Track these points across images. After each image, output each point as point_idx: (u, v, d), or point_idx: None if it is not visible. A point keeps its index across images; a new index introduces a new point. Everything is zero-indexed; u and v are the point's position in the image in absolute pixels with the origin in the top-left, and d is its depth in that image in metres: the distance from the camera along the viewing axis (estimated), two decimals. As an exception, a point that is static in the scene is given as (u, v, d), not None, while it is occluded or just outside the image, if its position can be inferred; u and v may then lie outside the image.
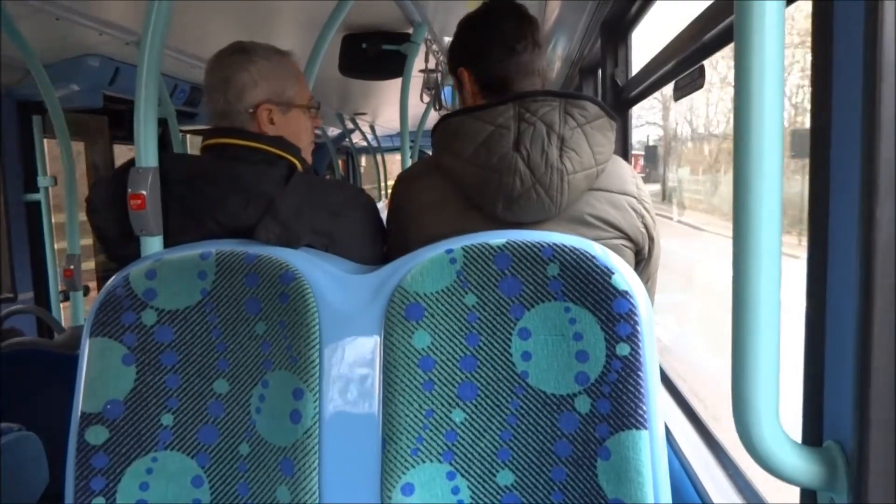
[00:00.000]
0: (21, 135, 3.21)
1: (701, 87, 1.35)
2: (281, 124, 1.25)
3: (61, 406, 1.13)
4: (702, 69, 1.35)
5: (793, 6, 0.85)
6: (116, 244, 1.19)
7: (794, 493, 0.75)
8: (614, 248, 1.10)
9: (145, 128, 1.16)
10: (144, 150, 1.15)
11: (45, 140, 3.27)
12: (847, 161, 0.61)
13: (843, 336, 0.62)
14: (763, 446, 0.64)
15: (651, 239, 1.21)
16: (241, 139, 1.20)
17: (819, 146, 0.66)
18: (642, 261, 1.22)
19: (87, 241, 3.48)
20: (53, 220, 3.29)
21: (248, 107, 1.22)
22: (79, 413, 1.00)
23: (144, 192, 1.12)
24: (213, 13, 2.55)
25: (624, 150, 2.23)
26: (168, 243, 1.15)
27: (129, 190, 1.12)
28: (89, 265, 3.88)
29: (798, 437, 0.69)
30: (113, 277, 1.04)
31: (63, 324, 3.04)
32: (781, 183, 0.61)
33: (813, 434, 0.69)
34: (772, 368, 0.63)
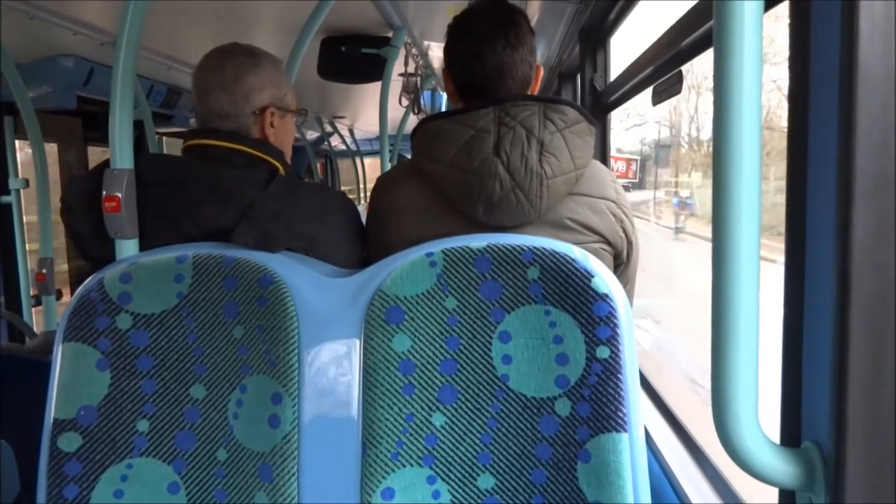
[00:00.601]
0: None
1: (678, 92, 1.36)
2: (278, 128, 1.27)
3: (33, 413, 1.11)
4: (679, 74, 1.36)
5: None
6: (91, 245, 1.17)
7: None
8: (594, 252, 1.10)
9: (120, 129, 1.15)
10: (119, 152, 1.13)
11: (17, 141, 3.22)
12: (824, 165, 0.62)
13: (821, 338, 0.63)
14: (742, 448, 0.65)
15: (630, 243, 1.22)
16: (224, 141, 1.19)
17: (796, 151, 0.67)
18: (621, 264, 1.22)
19: (60, 243, 3.42)
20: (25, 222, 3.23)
21: (254, 109, 1.22)
22: (51, 419, 0.98)
23: (119, 195, 1.10)
24: (191, 15, 2.52)
25: (603, 154, 2.25)
26: (144, 245, 1.13)
27: (104, 192, 1.11)
28: (62, 268, 3.81)
29: (777, 439, 0.70)
30: (87, 281, 1.02)
31: (35, 329, 2.98)
32: (760, 187, 0.62)
33: (791, 435, 0.70)
34: (751, 370, 0.64)
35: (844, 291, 0.58)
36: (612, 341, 0.90)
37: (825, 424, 0.62)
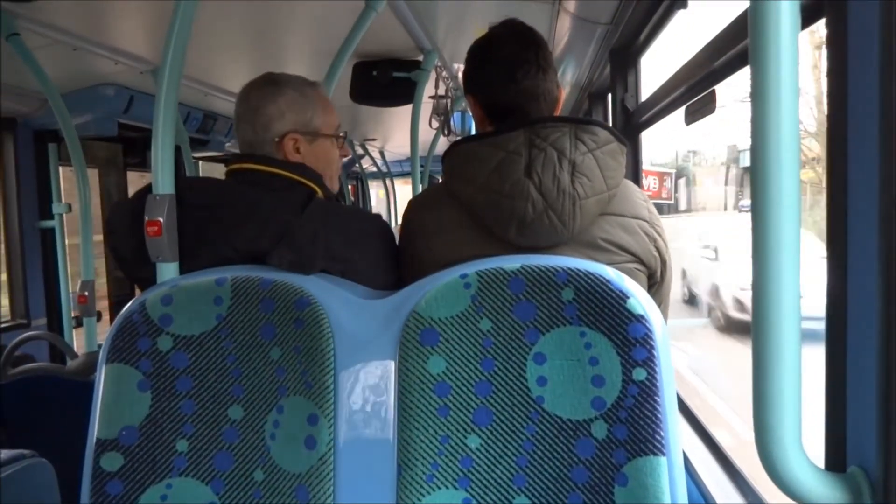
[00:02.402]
0: (37, 163, 3.25)
1: (712, 111, 1.36)
2: (307, 153, 1.28)
3: (74, 433, 1.13)
4: (713, 94, 1.35)
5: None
6: (134, 266, 1.20)
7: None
8: (627, 272, 1.10)
9: (163, 156, 1.18)
10: (162, 177, 1.16)
11: (60, 167, 3.32)
12: (865, 172, 0.61)
13: (866, 358, 0.62)
14: (786, 472, 0.63)
15: (663, 262, 1.21)
16: (263, 165, 1.21)
17: (836, 156, 0.66)
18: (655, 284, 1.21)
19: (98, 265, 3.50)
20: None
21: (274, 136, 1.25)
22: (94, 439, 1.00)
23: (161, 219, 1.13)
24: (227, 43, 2.59)
25: (635, 174, 2.24)
26: (185, 268, 1.15)
27: (146, 217, 1.13)
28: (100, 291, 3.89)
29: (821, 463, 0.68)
30: (129, 303, 1.04)
31: (75, 349, 3.05)
32: (799, 204, 0.61)
33: (836, 459, 0.68)
34: (794, 393, 0.63)
35: (890, 308, 0.57)
36: (649, 363, 0.90)
37: (872, 449, 0.61)
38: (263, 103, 1.25)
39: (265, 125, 1.24)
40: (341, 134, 1.36)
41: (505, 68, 1.19)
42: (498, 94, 1.21)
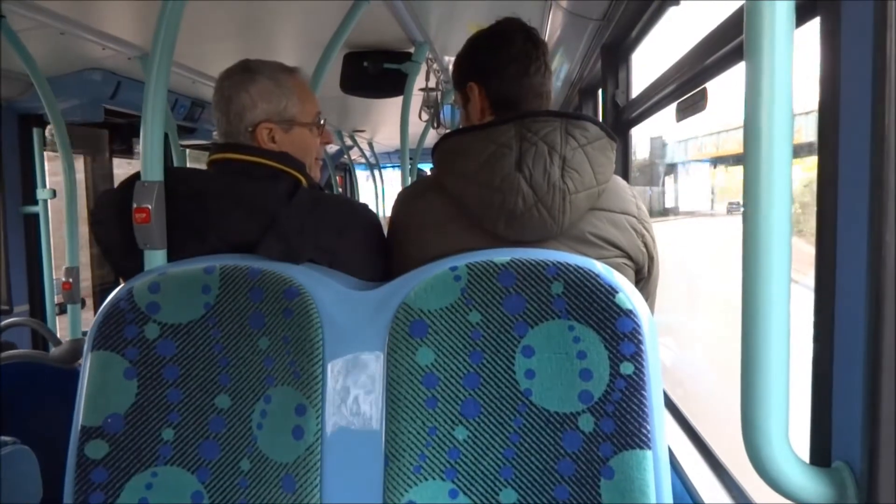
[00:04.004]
0: (21, 147, 3.21)
1: (703, 109, 1.36)
2: (284, 142, 1.25)
3: (57, 420, 1.12)
4: (704, 91, 1.36)
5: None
6: (120, 256, 1.19)
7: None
8: (616, 267, 1.10)
9: (151, 142, 1.17)
10: (150, 164, 1.15)
11: (45, 152, 3.28)
12: (856, 170, 0.61)
13: (852, 355, 0.62)
14: (772, 467, 0.64)
15: (651, 258, 1.22)
16: (245, 154, 1.20)
17: (828, 154, 0.66)
18: (642, 279, 1.23)
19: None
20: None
21: (247, 126, 1.23)
22: (79, 427, 0.99)
23: (149, 206, 1.12)
24: (217, 31, 2.56)
25: (625, 171, 2.25)
26: (171, 257, 1.15)
27: (135, 203, 1.12)
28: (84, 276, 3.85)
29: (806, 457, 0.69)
30: (116, 290, 1.04)
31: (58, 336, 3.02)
32: (791, 204, 0.61)
33: (821, 454, 0.69)
34: (781, 388, 0.63)
35: (877, 306, 0.58)
36: (636, 358, 0.90)
37: (857, 444, 0.62)
38: (235, 92, 1.23)
39: (238, 114, 1.22)
40: (321, 121, 1.34)
41: (521, 62, 1.22)
42: (511, 86, 1.22)
